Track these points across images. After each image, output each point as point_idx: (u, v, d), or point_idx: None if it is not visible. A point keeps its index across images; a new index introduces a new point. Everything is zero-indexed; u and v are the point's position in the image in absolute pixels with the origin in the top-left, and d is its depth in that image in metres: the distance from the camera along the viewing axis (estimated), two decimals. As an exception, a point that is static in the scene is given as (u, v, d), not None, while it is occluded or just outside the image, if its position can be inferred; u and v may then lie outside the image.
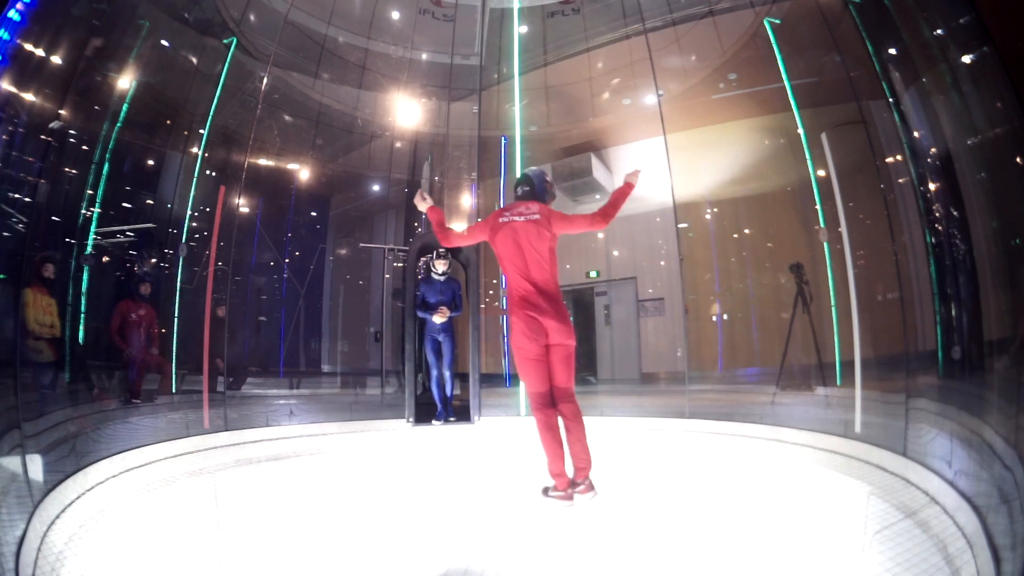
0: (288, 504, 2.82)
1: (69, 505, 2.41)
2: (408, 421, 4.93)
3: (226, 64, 5.54)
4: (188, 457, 3.60)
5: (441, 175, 8.63)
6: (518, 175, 3.33)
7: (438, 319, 5.19)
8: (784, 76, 5.18)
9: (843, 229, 4.00)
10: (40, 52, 3.08)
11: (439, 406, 5.16)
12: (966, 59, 2.60)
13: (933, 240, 3.10)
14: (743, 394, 6.78)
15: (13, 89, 2.87)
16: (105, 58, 4.18)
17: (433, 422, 4.97)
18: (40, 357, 4.19)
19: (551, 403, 2.85)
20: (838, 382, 5.22)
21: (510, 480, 3.30)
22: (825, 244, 4.92)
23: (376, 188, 9.91)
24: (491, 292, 8.91)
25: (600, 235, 9.92)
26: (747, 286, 8.51)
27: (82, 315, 4.84)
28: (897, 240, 3.60)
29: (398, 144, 9.10)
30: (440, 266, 5.34)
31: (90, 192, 4.80)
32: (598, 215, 2.96)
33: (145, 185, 6.20)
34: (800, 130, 5.27)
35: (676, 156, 6.38)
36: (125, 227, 5.67)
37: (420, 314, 5.24)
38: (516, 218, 2.98)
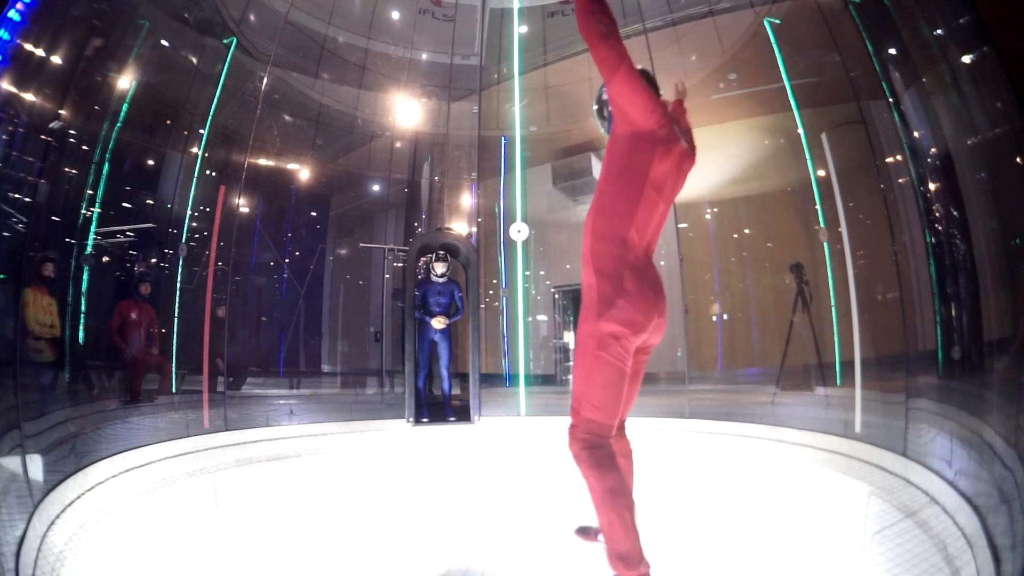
0: (288, 504, 2.81)
1: (69, 505, 2.41)
2: (408, 421, 4.92)
3: (226, 64, 5.55)
4: (188, 457, 3.60)
5: (441, 175, 8.63)
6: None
7: (437, 325, 5.17)
8: (784, 76, 5.18)
9: (843, 229, 4.00)
10: (40, 52, 3.08)
11: (424, 406, 5.16)
12: (966, 59, 2.60)
13: (933, 240, 3.10)
14: (743, 394, 6.78)
15: (13, 89, 2.87)
16: (105, 58, 4.18)
17: (415, 421, 4.90)
18: (40, 357, 4.20)
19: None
20: (838, 382, 5.21)
21: (510, 480, 3.30)
22: (825, 244, 4.92)
23: (376, 188, 9.91)
24: (491, 292, 8.91)
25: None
26: (747, 286, 8.51)
27: (82, 315, 4.84)
28: (897, 240, 3.59)
29: (398, 144, 9.10)
30: (439, 268, 5.25)
31: (90, 192, 4.80)
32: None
33: (145, 185, 6.20)
34: (800, 130, 5.27)
35: (676, 156, 6.36)
36: (125, 227, 5.67)
37: (418, 315, 5.22)
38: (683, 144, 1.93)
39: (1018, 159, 2.27)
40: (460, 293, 5.39)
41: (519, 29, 7.25)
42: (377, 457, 4.11)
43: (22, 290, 4.08)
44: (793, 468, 3.47)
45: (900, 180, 3.68)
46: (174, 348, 5.35)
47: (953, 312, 2.96)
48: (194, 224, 5.72)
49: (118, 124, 4.77)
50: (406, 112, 8.59)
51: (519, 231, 5.55)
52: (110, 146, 4.80)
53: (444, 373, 5.25)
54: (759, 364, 7.81)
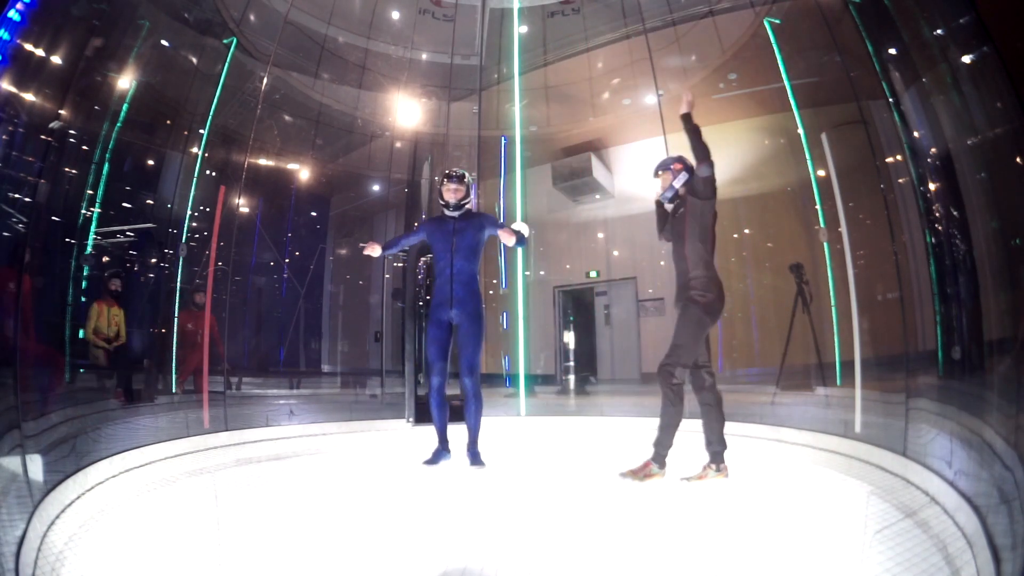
0: (288, 504, 2.82)
1: (69, 505, 2.41)
2: (408, 421, 4.92)
3: (226, 64, 5.55)
4: (188, 457, 3.60)
5: (441, 175, 8.63)
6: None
7: (508, 238, 3.21)
8: (784, 76, 5.18)
9: (843, 229, 4.00)
10: (40, 52, 3.08)
11: (440, 438, 3.47)
12: (966, 59, 2.60)
13: (933, 240, 3.10)
14: (743, 394, 6.78)
15: (13, 89, 2.87)
16: (105, 58, 4.18)
17: (427, 463, 3.34)
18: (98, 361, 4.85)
19: None
20: (838, 382, 5.22)
21: (510, 480, 3.30)
22: (825, 244, 4.92)
23: (376, 188, 9.93)
24: (491, 292, 8.90)
25: (600, 235, 9.93)
26: (747, 286, 8.51)
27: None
28: (897, 240, 3.60)
29: (398, 144, 9.11)
30: (451, 194, 3.32)
31: (90, 192, 4.80)
32: None
33: (145, 185, 6.21)
34: (800, 130, 5.27)
35: (676, 156, 6.36)
36: (125, 227, 5.67)
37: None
38: None
39: (1018, 159, 2.27)
40: (496, 226, 3.43)
41: (519, 29, 7.25)
42: (377, 457, 4.11)
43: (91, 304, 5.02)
44: (793, 468, 3.47)
45: (900, 180, 3.68)
46: (173, 348, 5.36)
47: (953, 312, 2.96)
48: (194, 224, 5.73)
49: (118, 124, 4.78)
50: (406, 112, 8.60)
51: (519, 231, 5.51)
52: (110, 146, 4.80)
53: (467, 382, 3.34)
54: (759, 364, 7.81)
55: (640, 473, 3.01)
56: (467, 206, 3.39)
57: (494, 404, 5.63)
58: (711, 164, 3.01)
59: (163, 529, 2.36)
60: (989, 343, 2.56)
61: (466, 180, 3.40)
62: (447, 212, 3.36)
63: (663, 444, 3.03)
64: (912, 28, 3.10)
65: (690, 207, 3.09)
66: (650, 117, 7.21)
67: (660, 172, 3.25)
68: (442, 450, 3.35)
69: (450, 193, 3.32)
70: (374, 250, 3.38)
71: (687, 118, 3.07)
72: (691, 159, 3.17)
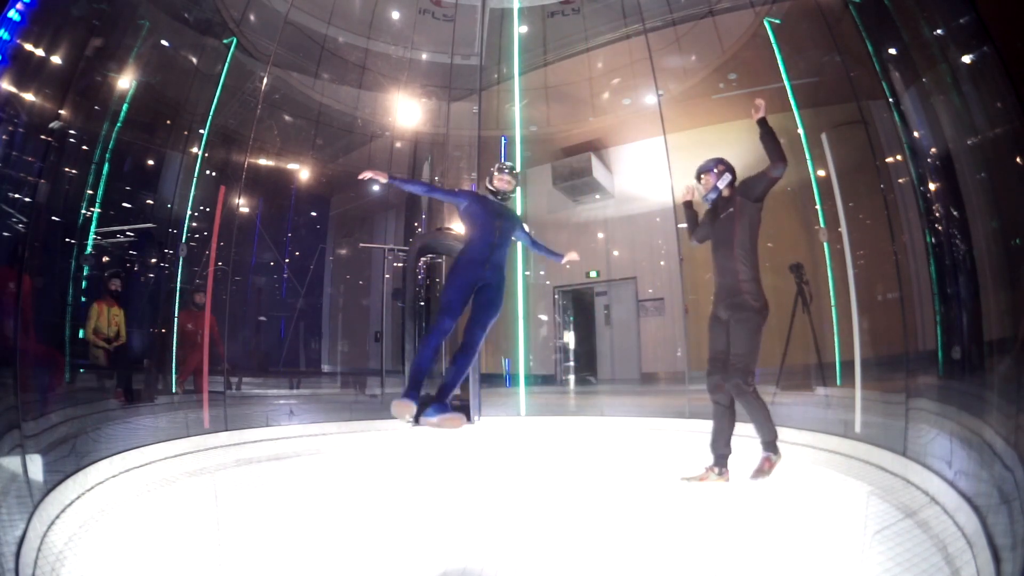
0: (288, 504, 2.82)
1: (69, 505, 2.41)
2: (408, 421, 4.91)
3: (226, 64, 5.55)
4: (188, 457, 3.60)
5: (441, 175, 8.63)
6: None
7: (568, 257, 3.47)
8: (784, 76, 5.18)
9: (843, 229, 4.00)
10: (40, 52, 3.08)
11: (413, 382, 2.85)
12: (966, 59, 2.60)
13: (933, 240, 3.10)
14: (743, 394, 6.77)
15: (13, 89, 2.87)
16: (105, 58, 4.18)
17: (414, 421, 2.79)
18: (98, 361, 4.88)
19: None
20: (838, 382, 5.21)
21: (510, 480, 3.30)
22: (825, 244, 4.92)
23: (376, 188, 9.92)
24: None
25: (600, 235, 9.93)
26: (747, 286, 8.49)
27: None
28: (897, 240, 3.60)
29: (398, 144, 9.11)
30: (503, 183, 3.27)
31: (90, 192, 4.80)
32: None
33: (145, 185, 6.22)
34: (800, 130, 5.26)
35: (676, 156, 6.38)
36: (125, 227, 5.68)
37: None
38: None
39: (1018, 159, 2.27)
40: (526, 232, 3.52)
41: (519, 29, 7.25)
42: (377, 457, 4.11)
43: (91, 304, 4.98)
44: (793, 468, 3.47)
45: (900, 180, 3.68)
46: (174, 348, 5.36)
47: (953, 312, 2.96)
48: (194, 224, 5.72)
49: (118, 124, 4.78)
50: (406, 112, 8.59)
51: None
52: (110, 146, 4.80)
53: (477, 335, 2.87)
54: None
55: (764, 469, 2.91)
56: (510, 201, 3.41)
57: (495, 404, 5.63)
58: (785, 165, 2.93)
59: (163, 529, 2.36)
60: (989, 343, 2.56)
61: (516, 174, 3.37)
62: (492, 199, 3.30)
63: (767, 433, 2.96)
64: (912, 28, 3.10)
65: (740, 209, 3.01)
66: (650, 117, 7.20)
67: (702, 175, 3.20)
68: (415, 396, 2.80)
69: (503, 182, 3.27)
70: (381, 176, 3.17)
71: (763, 122, 3.04)
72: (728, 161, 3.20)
